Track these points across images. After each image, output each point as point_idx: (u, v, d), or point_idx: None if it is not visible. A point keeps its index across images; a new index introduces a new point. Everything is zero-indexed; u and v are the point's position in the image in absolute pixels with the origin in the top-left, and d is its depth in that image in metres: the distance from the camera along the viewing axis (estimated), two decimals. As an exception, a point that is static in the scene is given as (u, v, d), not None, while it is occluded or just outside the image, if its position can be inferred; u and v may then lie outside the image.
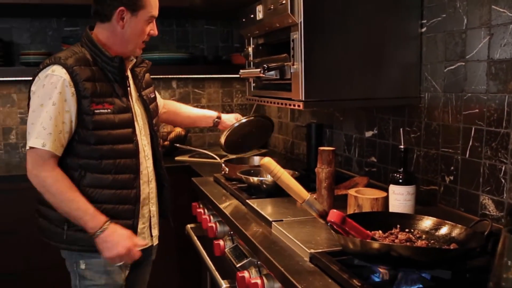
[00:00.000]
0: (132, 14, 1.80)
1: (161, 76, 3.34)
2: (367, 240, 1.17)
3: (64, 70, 1.71)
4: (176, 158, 3.05)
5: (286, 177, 1.23)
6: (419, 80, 1.92)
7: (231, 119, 2.46)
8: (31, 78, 1.78)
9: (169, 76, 3.39)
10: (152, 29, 1.88)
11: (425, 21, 1.88)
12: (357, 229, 1.18)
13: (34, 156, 1.71)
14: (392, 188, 1.59)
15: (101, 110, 1.77)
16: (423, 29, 1.89)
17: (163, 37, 3.41)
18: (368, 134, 2.29)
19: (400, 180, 1.58)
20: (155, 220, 2.00)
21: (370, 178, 2.22)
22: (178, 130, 3.16)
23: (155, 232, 2.01)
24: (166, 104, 2.38)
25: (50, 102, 1.69)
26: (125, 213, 1.85)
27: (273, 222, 1.62)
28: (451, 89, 1.75)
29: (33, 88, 1.75)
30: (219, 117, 2.45)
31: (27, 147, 1.72)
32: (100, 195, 1.80)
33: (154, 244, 2.02)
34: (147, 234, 1.96)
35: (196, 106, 3.47)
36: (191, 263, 2.82)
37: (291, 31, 1.82)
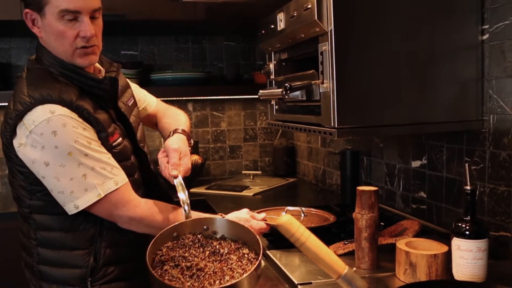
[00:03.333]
0: (41, 15, 1.37)
1: (175, 98, 3.02)
2: None
3: (65, 109, 1.33)
4: (192, 189, 2.70)
5: (314, 243, 0.86)
6: (481, 99, 1.55)
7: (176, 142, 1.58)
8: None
9: (184, 98, 3.06)
10: (80, 29, 1.37)
11: (487, 27, 1.51)
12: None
13: (114, 203, 1.35)
14: (457, 242, 1.21)
15: (117, 141, 1.43)
16: (485, 36, 1.52)
17: (178, 55, 3.10)
18: (416, 164, 1.91)
19: (467, 232, 1.19)
20: None
21: (419, 217, 1.83)
22: (195, 157, 2.82)
23: None
24: (157, 104, 1.86)
25: (79, 144, 1.31)
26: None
27: (299, 286, 1.26)
28: (527, 110, 1.38)
29: (27, 141, 1.30)
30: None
31: (83, 206, 1.32)
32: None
33: None
34: None
35: (215, 131, 3.20)
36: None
37: (319, 42, 1.48)
